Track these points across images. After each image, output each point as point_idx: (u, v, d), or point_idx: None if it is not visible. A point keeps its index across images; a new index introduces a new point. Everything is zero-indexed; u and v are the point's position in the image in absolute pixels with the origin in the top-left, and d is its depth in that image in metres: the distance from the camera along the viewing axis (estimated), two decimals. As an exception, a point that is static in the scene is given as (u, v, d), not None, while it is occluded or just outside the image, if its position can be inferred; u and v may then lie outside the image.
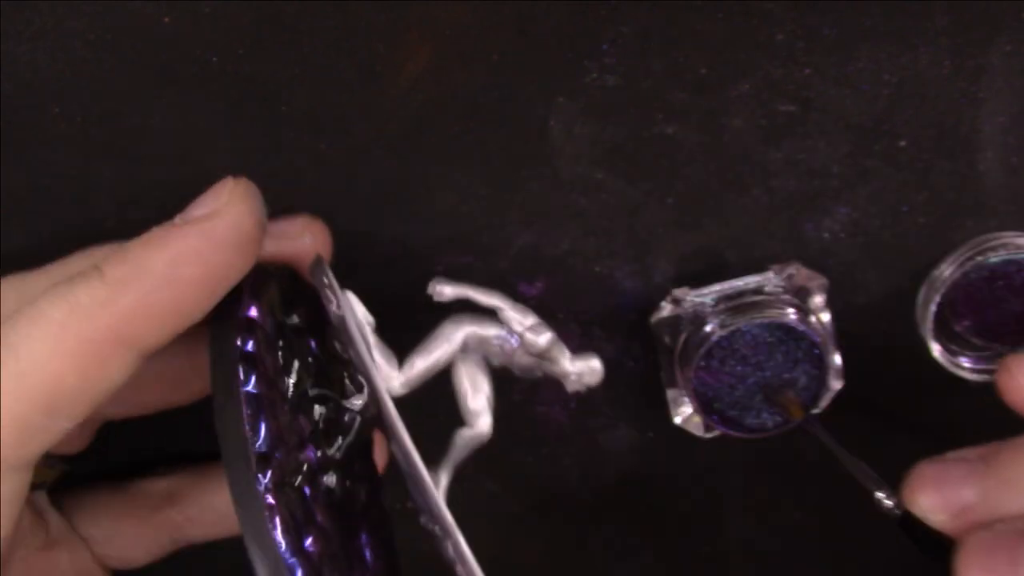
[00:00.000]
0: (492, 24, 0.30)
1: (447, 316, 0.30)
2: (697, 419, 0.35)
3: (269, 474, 0.25)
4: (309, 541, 0.25)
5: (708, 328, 0.33)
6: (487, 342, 0.30)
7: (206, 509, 0.33)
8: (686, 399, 0.35)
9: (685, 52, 0.31)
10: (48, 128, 0.30)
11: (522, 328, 0.30)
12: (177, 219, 0.27)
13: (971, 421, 0.37)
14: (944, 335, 0.35)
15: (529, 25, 0.30)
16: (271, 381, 0.27)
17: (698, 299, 0.34)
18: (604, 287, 0.35)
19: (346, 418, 0.30)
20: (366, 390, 0.30)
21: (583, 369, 0.30)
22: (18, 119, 0.30)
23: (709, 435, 0.36)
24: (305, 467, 0.27)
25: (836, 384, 0.34)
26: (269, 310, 0.28)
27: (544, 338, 0.29)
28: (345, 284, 0.34)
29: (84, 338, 0.25)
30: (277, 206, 0.32)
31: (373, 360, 0.28)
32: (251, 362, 0.26)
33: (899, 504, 0.29)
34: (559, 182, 0.33)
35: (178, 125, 0.31)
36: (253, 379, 0.26)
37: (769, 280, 0.34)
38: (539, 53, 0.30)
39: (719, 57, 0.31)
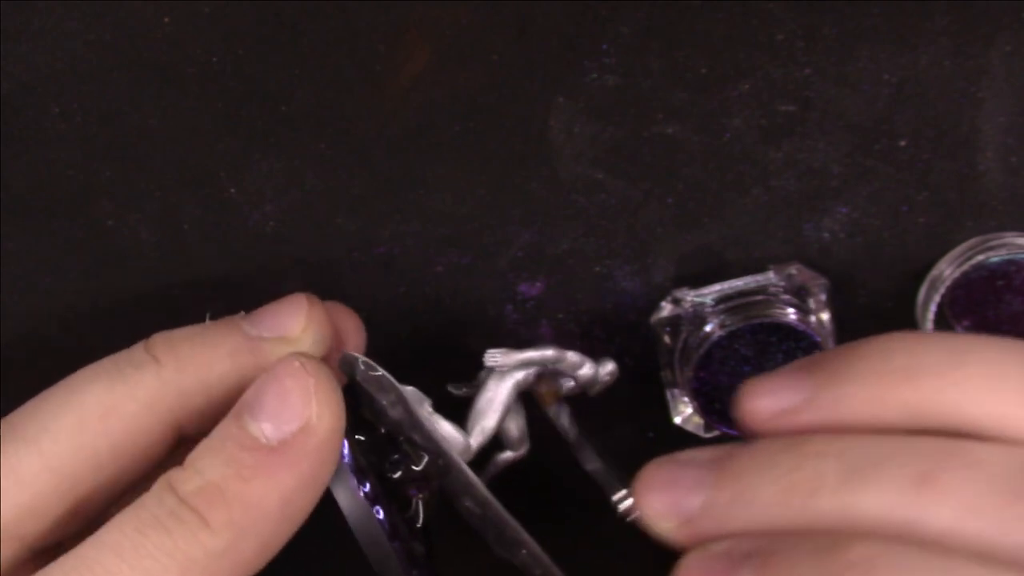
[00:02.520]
0: (492, 24, 0.30)
1: (488, 374, 0.31)
2: (697, 419, 0.35)
3: None
4: None
5: (708, 328, 0.33)
6: (531, 384, 0.32)
7: None
8: (686, 399, 0.35)
9: (685, 52, 0.31)
10: (48, 128, 0.30)
11: (576, 370, 0.32)
12: (254, 428, 0.24)
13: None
14: (944, 335, 0.35)
15: (529, 25, 0.30)
16: (386, 500, 0.27)
17: (698, 299, 0.34)
18: (604, 287, 0.35)
19: (418, 495, 0.30)
20: (424, 462, 0.29)
21: (608, 377, 0.33)
22: (18, 119, 0.30)
23: (709, 435, 0.36)
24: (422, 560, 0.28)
25: (836, 384, 0.34)
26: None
27: (590, 370, 0.32)
28: (345, 284, 0.34)
29: None
30: (277, 206, 0.32)
31: (445, 440, 0.30)
32: (374, 500, 0.26)
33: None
34: (559, 182, 0.33)
35: (178, 125, 0.31)
36: (382, 514, 0.26)
37: (769, 280, 0.34)
38: (539, 53, 0.30)
39: (719, 57, 0.31)
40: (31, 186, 0.31)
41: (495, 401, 0.31)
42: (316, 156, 0.32)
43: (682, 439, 0.36)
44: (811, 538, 0.22)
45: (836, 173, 0.33)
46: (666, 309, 0.34)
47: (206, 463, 0.24)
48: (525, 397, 0.32)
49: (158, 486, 0.24)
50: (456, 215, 0.33)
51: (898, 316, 0.35)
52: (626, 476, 0.30)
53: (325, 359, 0.28)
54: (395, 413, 0.29)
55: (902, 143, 0.32)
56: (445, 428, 0.30)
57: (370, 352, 0.32)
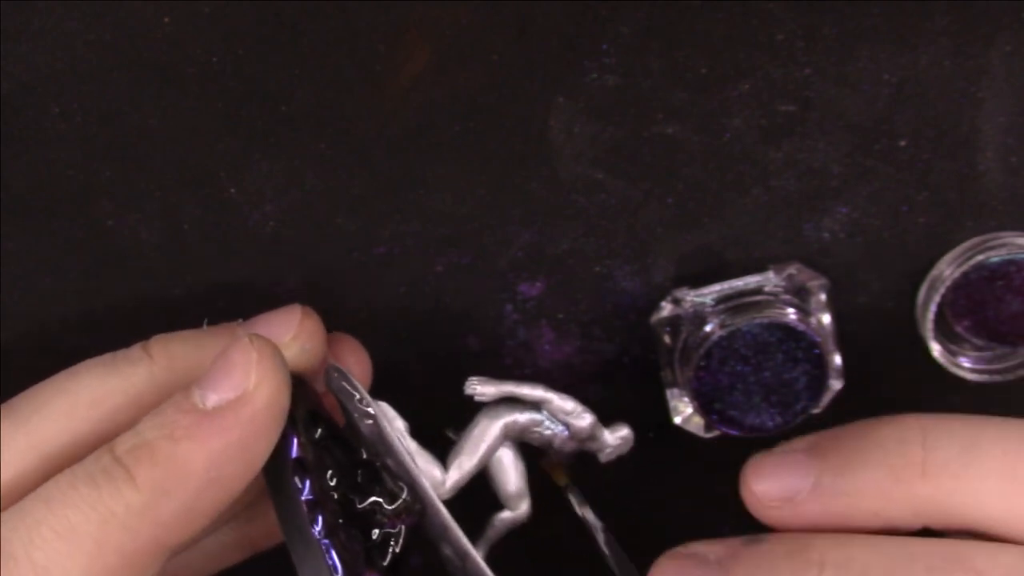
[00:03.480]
0: (492, 24, 0.30)
1: (481, 411, 0.30)
2: (697, 419, 0.35)
3: None
4: None
5: (708, 328, 0.33)
6: (526, 430, 0.30)
7: (189, 563, 0.31)
8: (686, 399, 0.35)
9: (685, 52, 0.31)
10: (48, 128, 0.30)
11: (567, 417, 0.30)
12: (196, 396, 0.25)
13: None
14: (944, 335, 0.35)
15: (529, 25, 0.30)
16: (332, 511, 0.26)
17: (698, 299, 0.34)
18: (604, 287, 0.35)
19: (392, 529, 0.29)
20: (404, 496, 0.29)
21: (618, 441, 0.31)
22: (18, 119, 0.30)
23: (709, 435, 0.36)
24: None
25: (836, 384, 0.34)
26: (305, 435, 0.27)
27: (587, 422, 0.30)
28: (346, 284, 0.34)
29: (124, 553, 0.23)
30: (277, 206, 0.32)
31: (418, 467, 0.28)
32: (314, 505, 0.25)
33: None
34: (559, 182, 0.33)
35: (178, 125, 0.31)
36: (320, 521, 0.25)
37: (769, 280, 0.34)
38: (539, 53, 0.30)
39: (719, 57, 0.31)
40: (31, 186, 0.31)
41: (479, 439, 0.30)
42: (316, 156, 0.32)
43: (682, 439, 0.36)
44: None
45: (836, 173, 0.33)
46: (666, 309, 0.34)
47: (146, 425, 0.24)
48: (528, 453, 0.31)
49: (101, 447, 0.25)
50: (456, 215, 0.33)
51: (898, 316, 0.35)
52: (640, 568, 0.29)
53: (314, 373, 0.29)
54: (366, 428, 0.28)
55: (902, 143, 0.32)
56: (419, 456, 0.28)
57: (370, 352, 0.32)
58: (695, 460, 0.38)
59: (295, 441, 0.26)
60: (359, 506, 0.28)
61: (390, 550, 0.28)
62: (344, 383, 0.28)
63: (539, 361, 0.36)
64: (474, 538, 0.29)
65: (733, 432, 0.35)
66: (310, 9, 0.29)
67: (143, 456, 0.24)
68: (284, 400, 0.25)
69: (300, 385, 0.28)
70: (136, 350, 0.28)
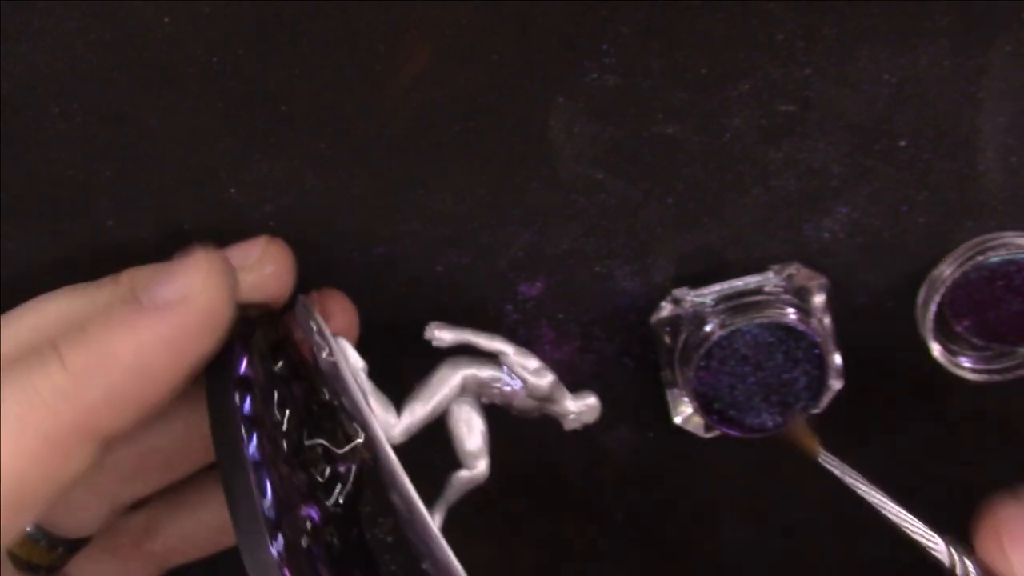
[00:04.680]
0: (492, 24, 0.30)
1: (443, 359, 0.29)
2: (697, 419, 0.35)
3: (280, 539, 0.24)
4: None
5: (708, 328, 0.33)
6: (486, 385, 0.30)
7: (186, 537, 0.33)
8: (686, 399, 0.35)
9: (685, 52, 0.31)
10: (48, 128, 0.30)
11: (525, 372, 0.29)
12: (143, 298, 0.25)
13: (971, 421, 0.37)
14: (944, 335, 0.35)
15: (529, 25, 0.30)
16: (272, 438, 0.26)
17: (698, 299, 0.34)
18: (604, 287, 0.35)
19: (342, 468, 0.29)
20: (361, 437, 0.29)
21: (582, 408, 0.30)
22: (18, 119, 0.30)
23: (709, 435, 0.36)
24: (309, 526, 0.26)
25: (836, 384, 0.34)
26: (259, 360, 0.27)
27: (547, 381, 0.29)
28: (346, 284, 0.34)
29: (47, 434, 0.24)
30: (277, 206, 0.32)
31: (371, 408, 0.28)
32: (252, 423, 0.25)
33: (964, 553, 0.25)
34: (559, 182, 0.33)
35: (178, 125, 0.31)
36: (255, 440, 0.25)
37: (769, 280, 0.34)
38: (539, 53, 0.30)
39: (719, 57, 0.31)
40: (31, 186, 0.31)
41: (436, 386, 0.29)
42: (316, 156, 0.32)
43: (682, 439, 0.36)
44: None
45: (836, 173, 0.33)
46: (666, 309, 0.34)
47: (89, 317, 0.25)
48: (493, 416, 0.30)
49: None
50: (456, 215, 0.33)
51: (898, 316, 0.35)
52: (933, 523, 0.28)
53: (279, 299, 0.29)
54: (324, 365, 0.28)
55: (902, 143, 0.32)
56: (372, 397, 0.28)
57: (370, 350, 0.32)
58: (695, 460, 0.39)
59: (244, 360, 0.26)
60: (305, 442, 0.27)
61: (336, 490, 0.28)
62: (308, 318, 0.28)
63: (539, 361, 0.36)
64: (432, 498, 0.28)
65: (733, 432, 0.35)
66: (310, 9, 0.29)
67: (76, 341, 0.24)
68: (223, 312, 0.26)
69: (270, 317, 0.29)
70: (107, 278, 0.29)
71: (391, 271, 0.34)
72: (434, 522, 0.27)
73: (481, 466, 0.29)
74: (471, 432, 0.29)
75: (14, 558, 0.29)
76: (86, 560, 0.32)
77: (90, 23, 0.29)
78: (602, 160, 0.32)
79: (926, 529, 0.26)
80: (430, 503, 0.28)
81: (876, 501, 0.28)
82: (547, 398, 0.30)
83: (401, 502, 0.27)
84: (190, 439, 0.30)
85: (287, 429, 0.27)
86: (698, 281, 0.34)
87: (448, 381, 0.29)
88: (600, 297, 0.35)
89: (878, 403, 0.37)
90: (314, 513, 0.27)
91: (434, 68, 0.30)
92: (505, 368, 0.30)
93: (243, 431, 0.24)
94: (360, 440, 0.28)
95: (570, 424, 0.30)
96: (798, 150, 0.32)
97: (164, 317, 0.25)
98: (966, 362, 0.35)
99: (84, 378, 0.24)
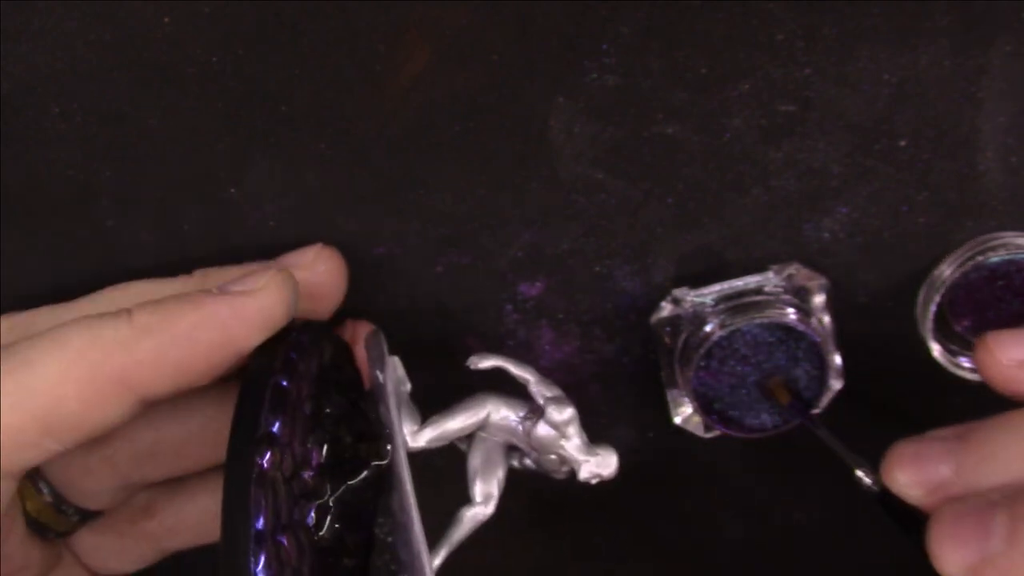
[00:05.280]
0: (492, 24, 0.30)
1: (475, 392, 0.31)
2: (697, 419, 0.35)
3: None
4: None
5: (708, 328, 0.33)
6: (507, 420, 0.31)
7: (184, 519, 0.34)
8: (686, 399, 0.35)
9: (685, 52, 0.31)
10: (48, 128, 0.30)
11: (545, 399, 0.30)
12: (216, 288, 0.28)
13: (971, 421, 0.37)
14: (944, 335, 0.35)
15: (529, 25, 0.30)
16: (295, 403, 0.27)
17: (698, 299, 0.34)
18: (604, 287, 0.35)
19: (359, 470, 0.30)
20: (385, 447, 0.30)
21: (597, 456, 0.30)
22: (18, 119, 0.30)
23: (709, 435, 0.36)
24: (301, 488, 0.27)
25: (836, 384, 0.34)
26: (319, 360, 0.29)
27: (566, 413, 0.30)
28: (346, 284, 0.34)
29: (96, 370, 0.26)
30: (277, 206, 0.32)
31: (399, 413, 0.29)
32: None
33: (878, 481, 0.30)
34: (559, 182, 0.33)
35: (178, 125, 0.31)
36: (278, 426, 0.26)
37: (769, 280, 0.34)
38: (539, 53, 0.30)
39: (719, 57, 0.31)
40: (31, 186, 0.31)
41: (467, 407, 0.30)
42: (316, 156, 0.32)
43: (682, 439, 0.36)
44: None
45: (836, 173, 0.33)
46: (666, 309, 0.34)
47: (168, 296, 0.28)
48: (509, 465, 0.31)
49: None
50: (456, 215, 0.33)
51: (898, 316, 0.35)
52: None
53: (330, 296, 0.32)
54: (375, 382, 0.29)
55: (902, 143, 0.32)
56: (405, 406, 0.30)
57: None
58: (695, 460, 0.39)
59: (292, 358, 0.28)
60: (328, 430, 0.29)
61: (342, 482, 0.29)
62: (376, 344, 0.31)
63: (539, 361, 0.36)
64: (431, 501, 0.29)
65: (733, 432, 0.35)
66: (310, 9, 0.29)
67: (148, 305, 0.27)
68: (279, 313, 0.28)
69: (326, 333, 0.31)
70: (180, 276, 0.32)
71: (391, 271, 0.34)
72: (438, 558, 0.29)
73: (490, 506, 0.30)
74: (490, 472, 0.31)
75: (31, 520, 0.31)
76: (87, 532, 0.33)
77: (90, 23, 0.29)
78: (602, 160, 0.32)
79: (857, 457, 0.31)
80: (427, 512, 0.28)
81: (826, 437, 0.32)
82: (564, 434, 0.30)
83: (398, 505, 0.28)
84: (203, 436, 0.32)
85: (318, 414, 0.28)
86: (698, 281, 0.34)
87: (474, 408, 0.30)
88: (600, 297, 0.35)
89: (878, 403, 0.37)
90: (308, 479, 0.28)
91: (434, 68, 0.30)
92: (525, 412, 0.30)
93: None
94: (384, 461, 0.29)
95: (584, 473, 0.30)
96: (798, 150, 0.32)
97: (226, 304, 0.28)
98: (966, 362, 0.35)
99: (143, 333, 0.27)
